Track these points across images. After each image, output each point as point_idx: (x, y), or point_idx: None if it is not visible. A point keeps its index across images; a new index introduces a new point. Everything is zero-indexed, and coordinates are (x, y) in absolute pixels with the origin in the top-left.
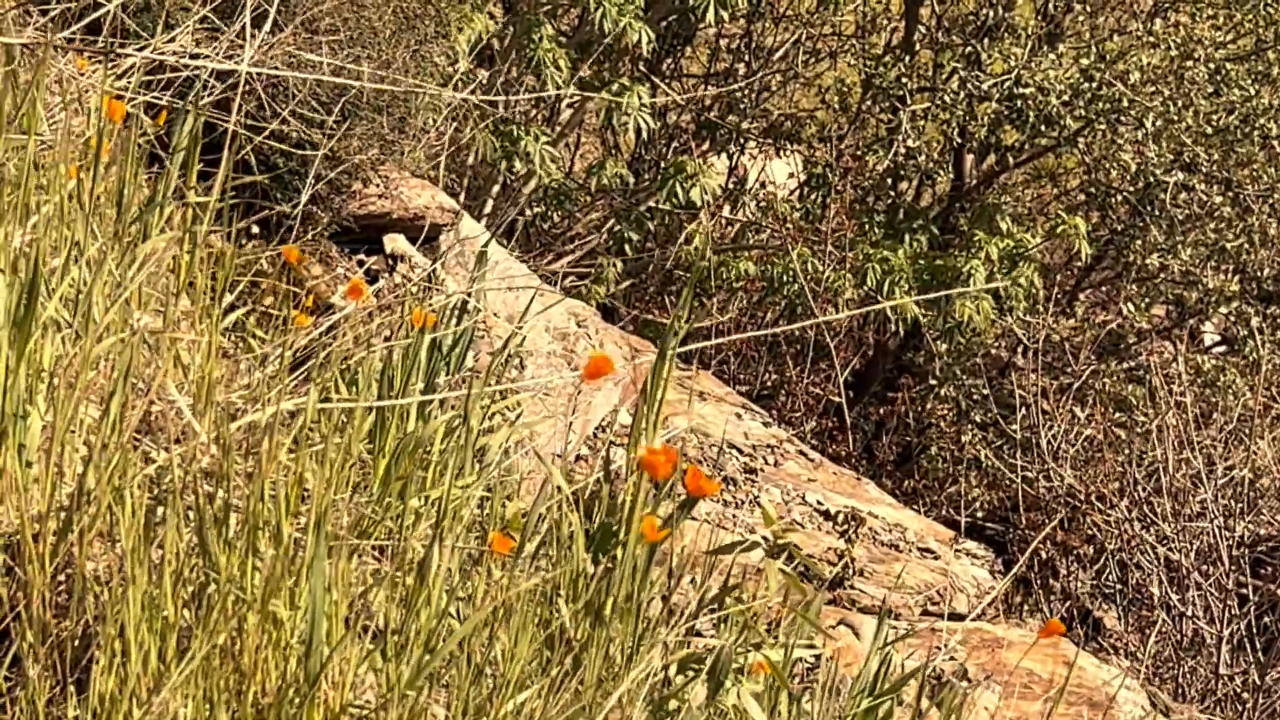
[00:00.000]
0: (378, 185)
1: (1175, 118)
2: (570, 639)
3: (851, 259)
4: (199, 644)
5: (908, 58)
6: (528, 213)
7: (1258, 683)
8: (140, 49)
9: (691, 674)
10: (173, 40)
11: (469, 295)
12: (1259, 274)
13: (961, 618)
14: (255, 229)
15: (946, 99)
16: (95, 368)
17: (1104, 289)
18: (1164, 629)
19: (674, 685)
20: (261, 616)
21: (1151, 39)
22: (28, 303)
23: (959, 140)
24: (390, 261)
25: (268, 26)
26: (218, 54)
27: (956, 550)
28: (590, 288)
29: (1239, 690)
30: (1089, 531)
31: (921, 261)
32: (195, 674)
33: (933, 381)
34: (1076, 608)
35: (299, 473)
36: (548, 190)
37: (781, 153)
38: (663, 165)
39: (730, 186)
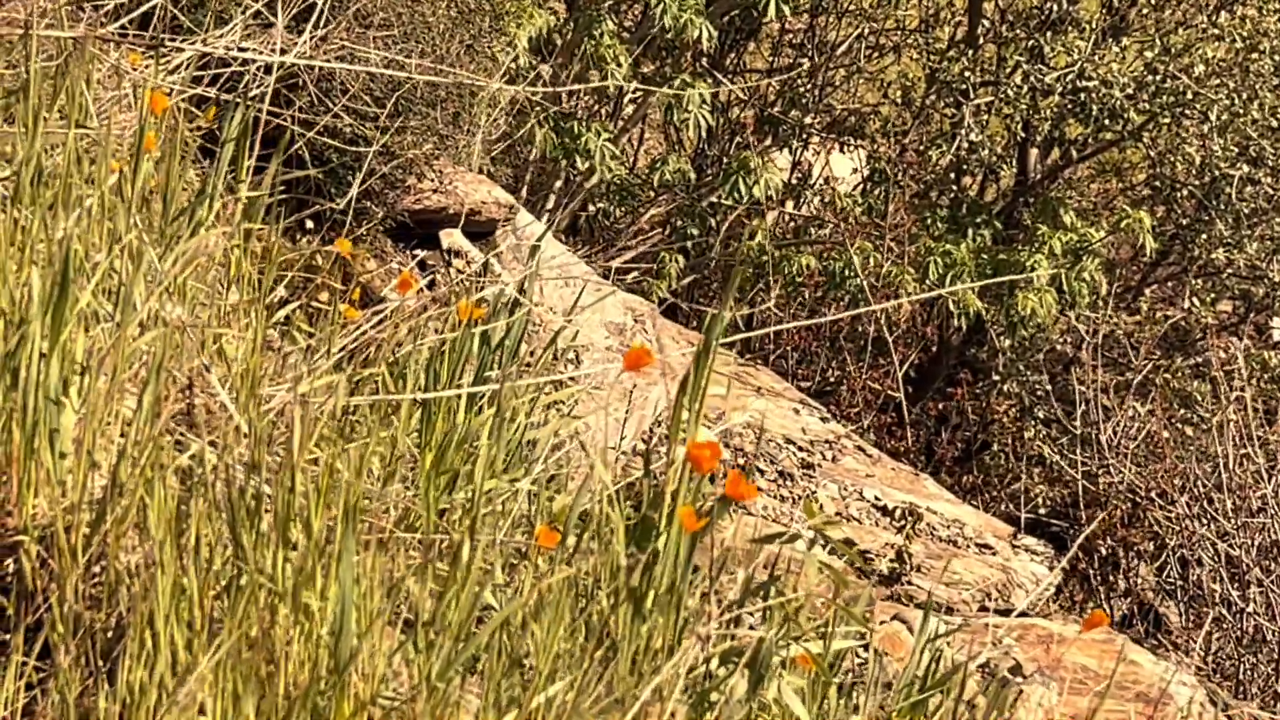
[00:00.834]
0: (433, 180)
1: (1240, 111)
2: (609, 631)
3: (913, 253)
4: (228, 635)
5: (971, 52)
6: (589, 208)
7: None
8: (191, 43)
9: (733, 666)
10: (224, 35)
11: (520, 289)
12: None
13: (1020, 614)
14: (309, 224)
15: (1010, 93)
16: (136, 360)
17: (1169, 284)
18: (1224, 625)
19: (715, 678)
20: (292, 607)
21: (1216, 32)
22: (61, 294)
23: (1023, 134)
24: (446, 257)
25: (319, 21)
26: (269, 49)
27: (1015, 546)
28: (651, 283)
29: None
30: (1150, 528)
31: (984, 256)
32: (224, 664)
33: (995, 377)
34: (1138, 604)
35: (331, 463)
36: (609, 186)
37: (844, 148)
38: (725, 161)
39: (793, 182)
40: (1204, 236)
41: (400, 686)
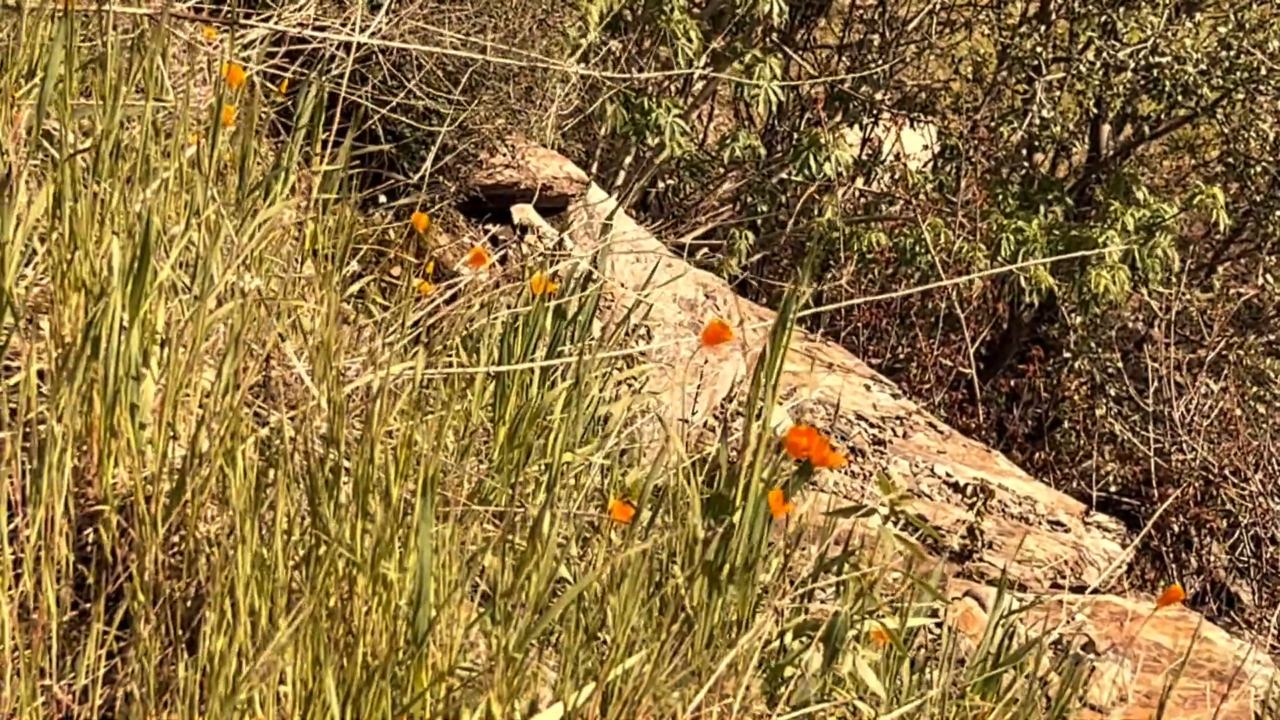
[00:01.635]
0: (505, 155)
1: None
2: (684, 604)
3: (985, 230)
4: (308, 604)
5: (1043, 27)
6: (660, 184)
7: None
8: (266, 19)
9: (807, 641)
10: (299, 10)
11: (593, 264)
12: None
13: (1093, 591)
14: (381, 198)
15: (1083, 69)
16: (214, 332)
17: (1242, 261)
18: None
19: (789, 652)
20: (371, 578)
21: None
22: (141, 264)
23: (1095, 111)
24: (518, 231)
25: None
26: (343, 25)
27: (1087, 523)
28: (721, 260)
29: None
30: (1223, 505)
31: (1056, 232)
32: (303, 634)
33: (1066, 354)
34: (1210, 582)
35: (409, 435)
36: (680, 162)
37: (915, 124)
38: (796, 137)
39: (863, 158)
40: (1278, 213)
41: (477, 658)
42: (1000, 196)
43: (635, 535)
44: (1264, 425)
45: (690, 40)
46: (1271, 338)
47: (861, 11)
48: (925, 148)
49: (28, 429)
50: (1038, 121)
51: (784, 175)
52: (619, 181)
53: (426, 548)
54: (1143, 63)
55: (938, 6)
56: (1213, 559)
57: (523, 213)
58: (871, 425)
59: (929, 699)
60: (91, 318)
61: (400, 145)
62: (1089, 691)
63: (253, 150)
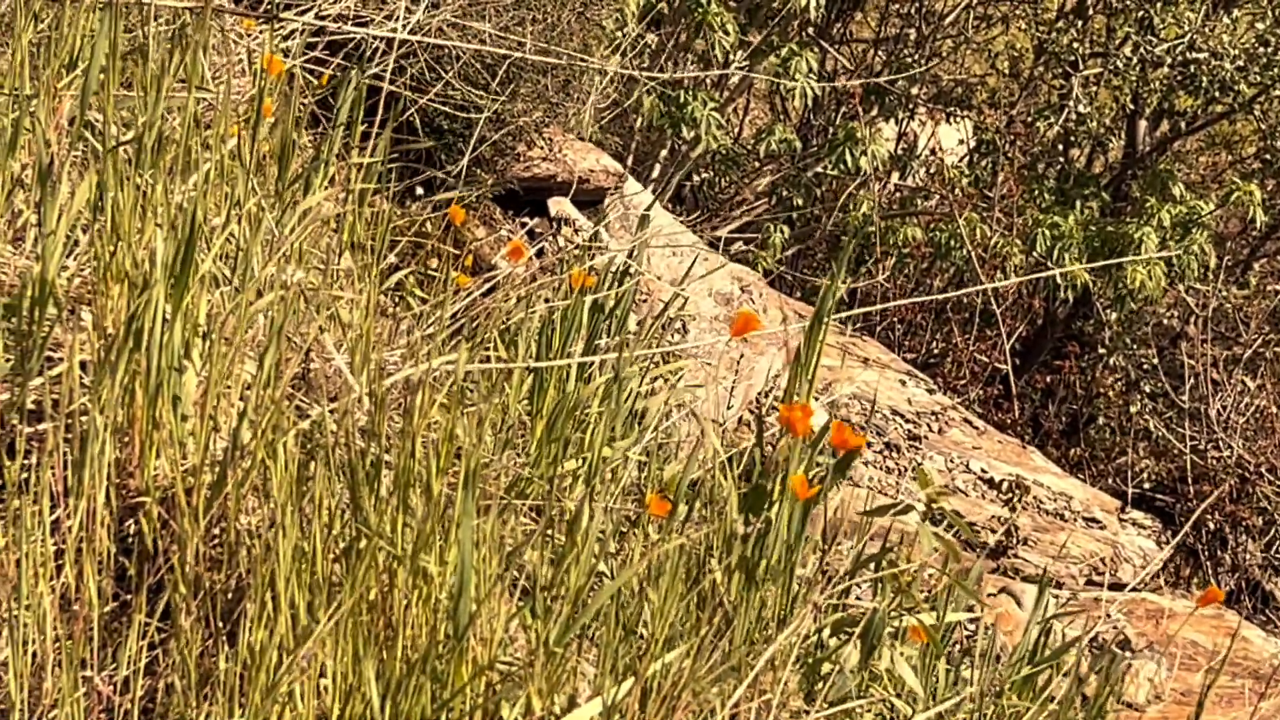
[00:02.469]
0: (542, 148)
1: None
2: (722, 599)
3: (1021, 225)
4: (348, 597)
5: (1080, 23)
6: (695, 178)
7: None
8: (305, 12)
9: (845, 637)
10: (338, 2)
11: (630, 257)
12: None
13: (1127, 588)
14: (419, 190)
15: (1119, 64)
16: (253, 324)
17: (1279, 258)
18: None
19: (827, 648)
20: (411, 572)
21: None
22: (185, 257)
23: (1132, 106)
24: (554, 224)
25: None
26: (384, 18)
27: (1123, 520)
28: (757, 253)
29: None
30: (1259, 503)
31: (1092, 228)
32: (344, 627)
33: (1102, 350)
34: (1246, 580)
35: (450, 429)
36: (715, 155)
37: (951, 119)
38: (831, 131)
39: (899, 152)
40: None
41: (517, 652)
42: (1036, 192)
43: (672, 530)
44: None
45: (727, 33)
46: None
47: (898, 6)
48: (961, 142)
49: (70, 420)
50: (1074, 117)
51: (819, 169)
52: (654, 174)
53: (468, 541)
54: (1180, 58)
55: (974, 1)
56: (1248, 557)
57: (559, 205)
58: (907, 421)
59: (967, 696)
60: (135, 310)
61: (438, 138)
62: (1126, 689)
63: (292, 142)
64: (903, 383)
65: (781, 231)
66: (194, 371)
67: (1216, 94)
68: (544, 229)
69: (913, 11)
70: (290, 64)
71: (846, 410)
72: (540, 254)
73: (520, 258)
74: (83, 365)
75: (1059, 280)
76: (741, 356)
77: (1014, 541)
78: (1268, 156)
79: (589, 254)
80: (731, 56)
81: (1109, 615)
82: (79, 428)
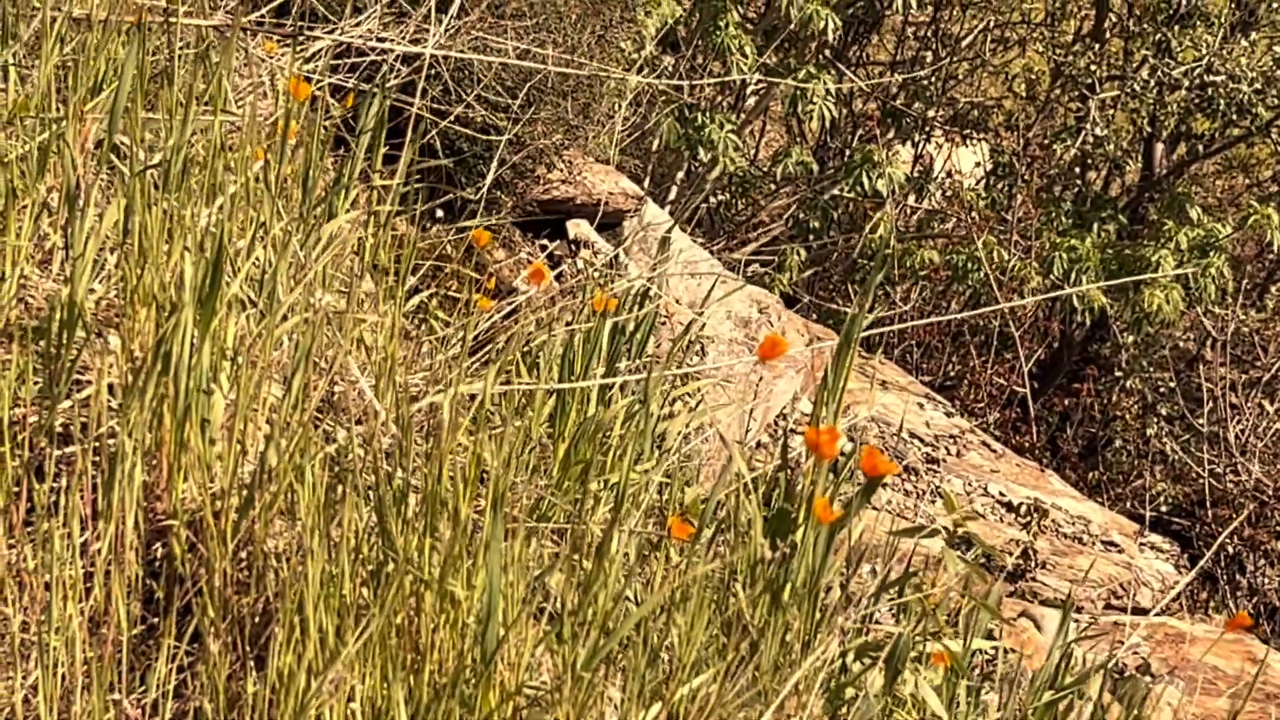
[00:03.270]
0: (561, 170)
1: None
2: (747, 624)
3: (1038, 248)
4: (376, 621)
5: (1098, 45)
6: (712, 200)
7: None
8: (327, 32)
9: (869, 661)
10: (360, 24)
11: (650, 281)
12: None
13: (1145, 612)
14: (439, 212)
15: (1136, 87)
16: (279, 347)
17: None
18: None
19: (851, 672)
20: (439, 596)
21: None
22: (212, 281)
23: (1149, 129)
24: (573, 247)
25: (454, 11)
26: (404, 38)
27: (1141, 544)
28: (774, 276)
29: None
30: (1277, 527)
31: (1109, 251)
32: (372, 651)
33: (1119, 374)
34: (1264, 604)
35: (477, 453)
36: (732, 178)
37: (968, 141)
38: (848, 153)
39: (916, 175)
40: None
41: (544, 676)
42: (1053, 214)
43: (695, 553)
44: None
45: (744, 55)
46: None
47: (915, 29)
48: (978, 165)
49: (99, 443)
50: (1091, 139)
51: (836, 192)
52: (671, 196)
53: (495, 565)
54: (1197, 81)
55: (991, 24)
56: (1265, 581)
57: (578, 228)
58: (925, 444)
59: None
60: (163, 333)
61: (459, 160)
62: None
63: (316, 165)
64: (921, 406)
65: (798, 254)
66: (221, 394)
67: (1234, 117)
68: (563, 251)
69: (929, 34)
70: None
71: (865, 433)
72: (560, 277)
73: (541, 280)
74: (111, 388)
75: (1076, 303)
76: (760, 379)
77: (1032, 565)
78: None
79: (609, 277)
80: (748, 78)
81: (1129, 640)
82: (107, 451)
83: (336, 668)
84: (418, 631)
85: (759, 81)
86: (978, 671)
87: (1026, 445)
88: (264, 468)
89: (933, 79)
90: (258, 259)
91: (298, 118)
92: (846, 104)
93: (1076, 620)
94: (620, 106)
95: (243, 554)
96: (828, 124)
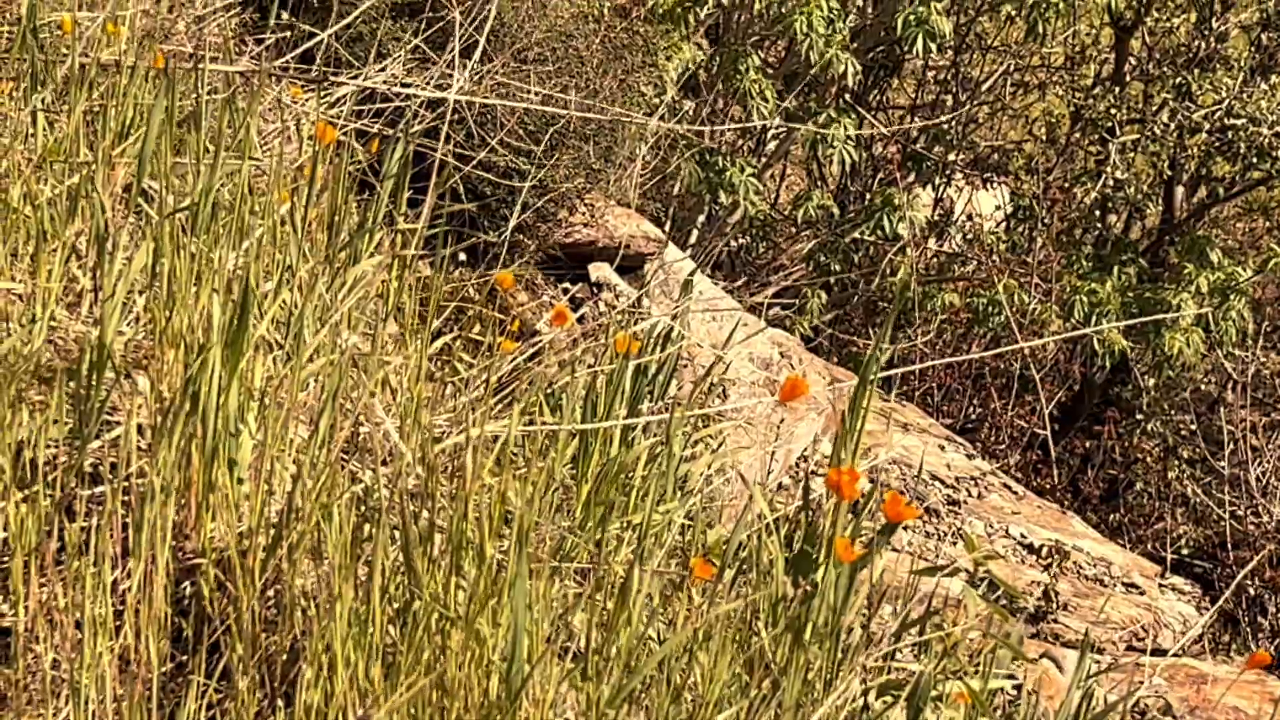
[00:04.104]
0: (583, 214)
1: None
2: (769, 662)
3: (1058, 291)
4: (403, 659)
5: (1117, 89)
6: (733, 243)
7: None
8: (352, 78)
9: (891, 700)
10: (384, 69)
11: (672, 323)
12: None
13: (1166, 654)
14: (463, 256)
15: (1156, 130)
16: (305, 388)
17: None
18: None
19: (873, 711)
20: (465, 634)
21: None
22: (240, 323)
23: (1169, 172)
24: (595, 289)
25: (477, 56)
26: (428, 84)
27: (1162, 586)
28: (795, 318)
29: None
30: None
31: (1130, 294)
32: (399, 688)
33: (1140, 416)
34: None
35: (502, 492)
36: (753, 221)
37: (988, 184)
38: (869, 197)
39: (936, 218)
40: None
41: (569, 714)
42: (1074, 257)
43: (717, 593)
44: None
45: (765, 100)
46: None
47: (935, 73)
48: (998, 208)
49: (128, 483)
50: (1111, 183)
51: (857, 235)
52: (692, 240)
53: (521, 603)
54: (1218, 124)
55: (1011, 68)
56: None
57: (600, 271)
58: (946, 486)
59: None
60: (191, 374)
61: (482, 204)
62: None
63: (341, 208)
64: (942, 448)
65: (819, 297)
66: (249, 435)
67: (1254, 160)
68: (585, 294)
69: (950, 78)
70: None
71: (886, 475)
72: (582, 319)
73: (564, 323)
74: (140, 429)
75: (1097, 347)
76: (781, 421)
77: (1053, 606)
78: None
79: (631, 319)
80: (769, 122)
81: (1149, 681)
82: (137, 490)
83: (365, 706)
84: (444, 669)
85: (779, 125)
86: (999, 711)
87: (1048, 487)
88: (291, 507)
89: (953, 123)
90: (284, 301)
91: (323, 162)
92: (867, 148)
93: (1097, 661)
94: (641, 151)
95: (270, 593)
96: (848, 167)
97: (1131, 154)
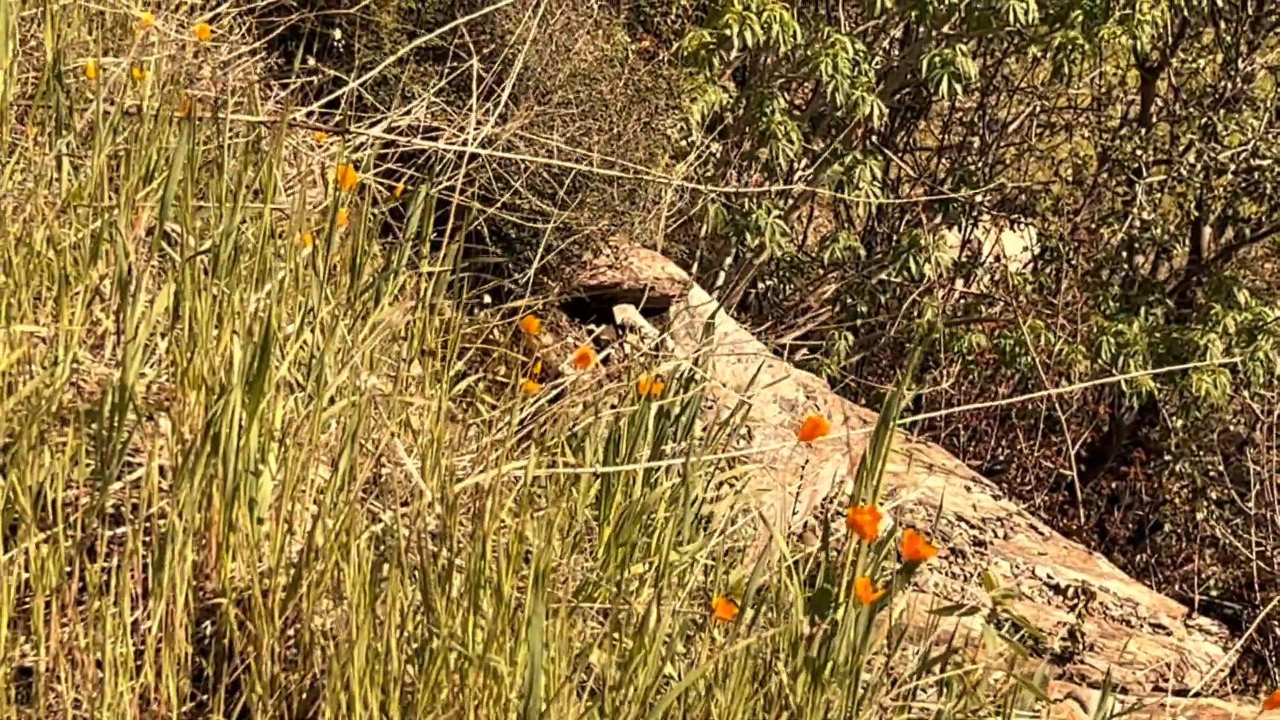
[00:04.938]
0: (608, 256)
1: None
2: (788, 700)
3: (1085, 332)
4: (421, 697)
5: (1144, 130)
6: (759, 285)
7: None
8: (376, 123)
9: None
10: (408, 114)
11: (695, 364)
12: None
13: (1195, 694)
14: (487, 298)
15: (1183, 171)
16: (326, 429)
17: None
18: None
19: None
20: (482, 671)
21: None
22: (260, 364)
23: (1196, 213)
24: (620, 331)
25: (501, 102)
26: (452, 129)
27: (1189, 626)
28: (821, 360)
29: None
30: None
31: (1157, 335)
32: None
33: (1168, 457)
34: None
35: (520, 531)
36: (780, 263)
37: (1015, 225)
38: (895, 238)
39: (963, 259)
40: None
41: None
42: (1101, 298)
43: (739, 633)
44: None
45: (791, 141)
46: None
47: (961, 114)
48: (1025, 249)
49: (149, 523)
50: (1138, 223)
51: (884, 276)
52: (719, 282)
53: (537, 641)
54: (1244, 165)
55: (1038, 109)
56: None
57: (625, 313)
58: (972, 526)
59: None
60: (212, 415)
61: (506, 247)
62: None
63: (364, 252)
64: (968, 488)
65: (846, 338)
66: (269, 476)
67: None
68: (610, 336)
69: (976, 120)
70: (362, 176)
71: (911, 516)
72: (606, 361)
73: (587, 364)
74: (161, 470)
75: (1124, 388)
76: (806, 462)
77: (1080, 647)
78: None
79: (655, 361)
80: (795, 165)
81: None
82: (158, 531)
83: None
84: (462, 707)
85: (806, 167)
86: None
87: (1074, 528)
88: (311, 547)
89: (980, 164)
90: (305, 343)
91: (346, 206)
92: (893, 189)
93: (1121, 701)
94: (666, 193)
95: (290, 631)
96: (875, 209)
97: (1158, 195)
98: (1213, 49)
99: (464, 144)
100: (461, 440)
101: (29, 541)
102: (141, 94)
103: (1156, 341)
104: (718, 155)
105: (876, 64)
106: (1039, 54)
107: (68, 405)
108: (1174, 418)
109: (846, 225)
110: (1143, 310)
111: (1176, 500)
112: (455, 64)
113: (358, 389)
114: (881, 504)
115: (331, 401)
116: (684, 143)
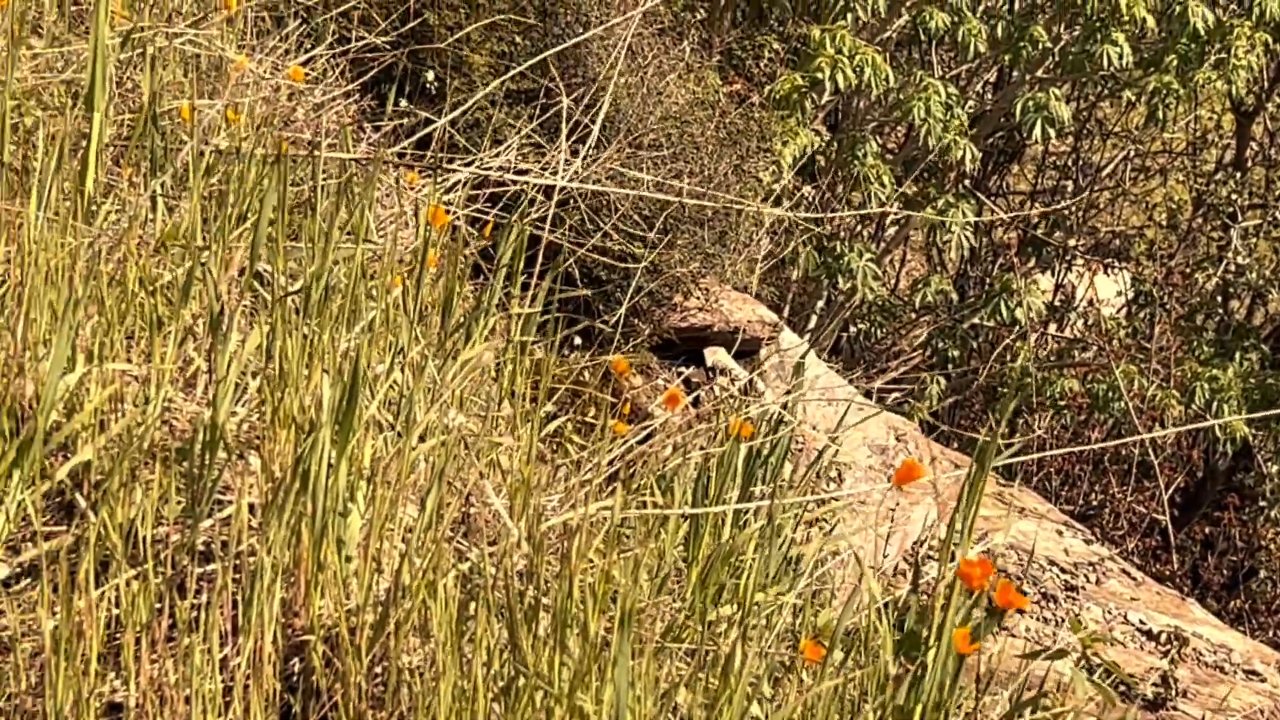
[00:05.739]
0: (698, 298)
1: None
2: None
3: (1179, 377)
4: None
5: (1239, 174)
6: (851, 329)
7: None
8: (467, 164)
9: None
10: (499, 155)
11: (784, 406)
12: None
13: None
14: (577, 339)
15: (1279, 215)
16: (414, 468)
17: None
18: None
19: None
20: (568, 710)
21: None
22: (350, 403)
23: None
24: (709, 374)
25: (592, 142)
26: (543, 170)
27: None
28: (913, 404)
29: None
30: None
31: (1252, 380)
32: None
33: (1263, 503)
34: None
35: (607, 571)
36: (871, 306)
37: (1109, 270)
38: (988, 282)
39: (1056, 304)
40: None
41: None
42: (1195, 344)
43: (827, 675)
44: None
45: (883, 185)
46: None
47: (1055, 158)
48: (1119, 294)
49: (238, 561)
50: (1233, 268)
51: (976, 320)
52: (811, 325)
53: (623, 680)
54: None
55: (1132, 153)
56: None
57: (715, 355)
58: (1064, 571)
59: None
60: (301, 453)
61: (596, 288)
62: None
63: (455, 292)
64: (1060, 533)
65: (938, 383)
66: (358, 514)
67: None
68: (700, 378)
69: (1070, 163)
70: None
71: (1003, 560)
72: (696, 403)
73: (676, 406)
74: (251, 507)
75: (1218, 433)
76: (897, 505)
77: (1172, 693)
78: None
79: (745, 403)
80: (888, 207)
81: None
82: (247, 568)
83: None
84: None
85: (898, 212)
86: None
87: (1167, 574)
88: (398, 585)
89: (1073, 208)
90: (395, 382)
91: (437, 246)
92: (986, 233)
93: None
94: (758, 236)
95: (377, 669)
96: (967, 253)
97: (1254, 239)
98: None
99: (558, 178)
100: (550, 481)
101: (120, 578)
102: (236, 135)
103: (1251, 387)
104: (810, 198)
105: (969, 108)
106: (1133, 98)
107: (159, 443)
108: (1269, 463)
109: (939, 269)
110: (1237, 355)
111: (1271, 546)
112: (548, 102)
113: (446, 428)
114: (973, 548)
115: (420, 440)
116: (775, 185)
